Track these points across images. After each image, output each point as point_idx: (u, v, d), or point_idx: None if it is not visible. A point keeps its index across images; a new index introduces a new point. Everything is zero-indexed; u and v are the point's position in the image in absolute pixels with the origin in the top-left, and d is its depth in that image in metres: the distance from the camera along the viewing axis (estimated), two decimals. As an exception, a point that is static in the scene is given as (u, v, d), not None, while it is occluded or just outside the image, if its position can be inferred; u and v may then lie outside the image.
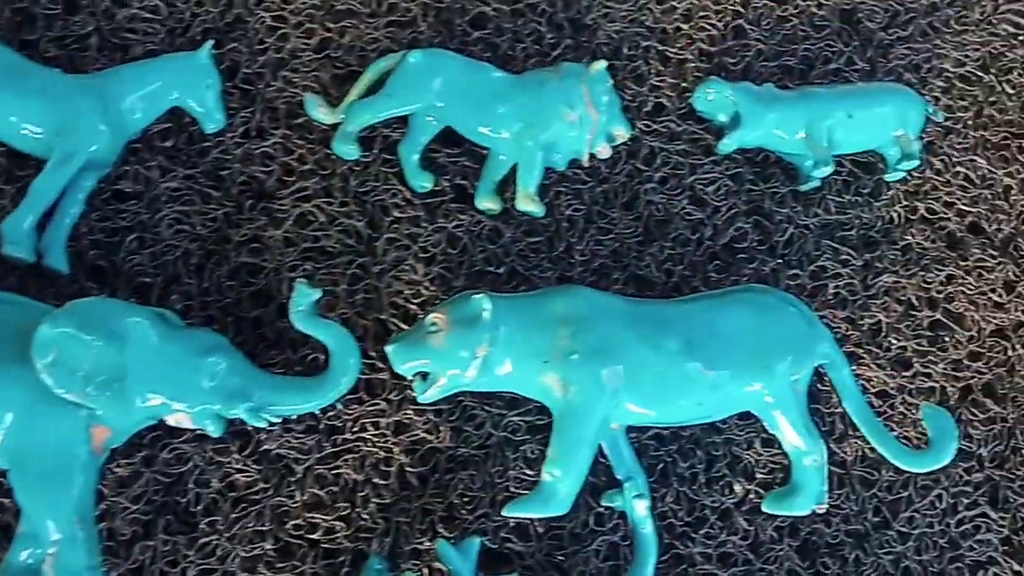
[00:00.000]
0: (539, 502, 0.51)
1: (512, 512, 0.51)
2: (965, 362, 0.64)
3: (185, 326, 0.54)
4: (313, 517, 0.54)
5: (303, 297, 0.53)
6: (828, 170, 0.63)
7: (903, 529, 0.60)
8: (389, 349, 0.53)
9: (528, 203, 0.61)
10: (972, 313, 0.65)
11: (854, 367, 0.62)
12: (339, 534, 0.54)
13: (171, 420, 0.51)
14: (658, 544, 0.52)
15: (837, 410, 0.60)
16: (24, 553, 0.50)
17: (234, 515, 0.53)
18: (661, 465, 0.59)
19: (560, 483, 0.51)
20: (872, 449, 0.61)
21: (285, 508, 0.54)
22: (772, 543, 0.59)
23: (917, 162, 0.65)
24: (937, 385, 0.63)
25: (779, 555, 0.58)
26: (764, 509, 0.56)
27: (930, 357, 0.63)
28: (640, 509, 0.51)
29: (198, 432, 0.53)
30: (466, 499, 0.56)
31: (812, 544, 0.59)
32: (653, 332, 0.53)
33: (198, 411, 0.50)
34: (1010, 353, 0.65)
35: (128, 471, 0.53)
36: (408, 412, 0.57)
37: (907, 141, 0.65)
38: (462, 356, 0.52)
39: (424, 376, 0.53)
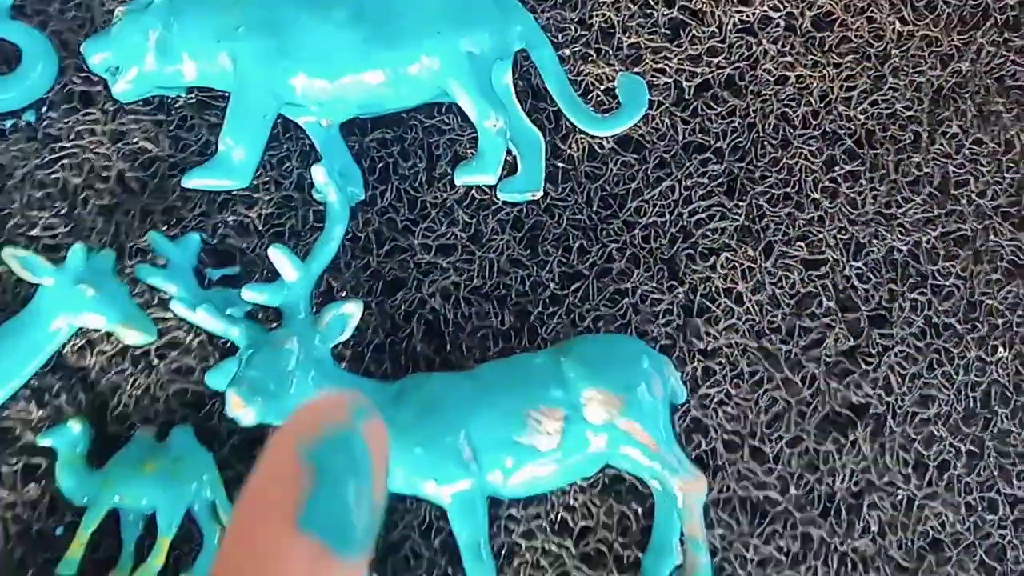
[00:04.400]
0: (216, 169, 0.53)
1: (191, 179, 0.54)
2: (705, 57, 0.63)
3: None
4: (34, 215, 0.57)
5: (-9, -3, 0.55)
6: None
7: (631, 219, 0.61)
8: (83, 47, 0.55)
9: None
10: (713, 9, 0.64)
11: (582, 65, 0.62)
12: (59, 231, 0.57)
13: None
14: (346, 215, 0.54)
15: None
16: None
17: (-48, 214, 0.58)
18: (382, 165, 0.61)
19: (233, 151, 0.53)
20: (600, 145, 0.62)
21: (5, 210, 0.58)
22: (494, 234, 0.60)
23: None
24: (671, 80, 0.63)
25: (501, 244, 0.60)
26: (456, 180, 0.57)
27: (664, 53, 0.63)
28: (318, 176, 0.53)
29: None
30: (185, 200, 0.59)
31: (535, 235, 0.60)
32: (323, 4, 0.54)
33: None
34: (755, 48, 0.64)
35: None
36: (125, 121, 0.59)
37: None
38: (137, 42, 0.53)
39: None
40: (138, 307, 0.53)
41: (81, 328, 0.54)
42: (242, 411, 0.46)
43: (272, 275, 0.58)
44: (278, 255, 0.50)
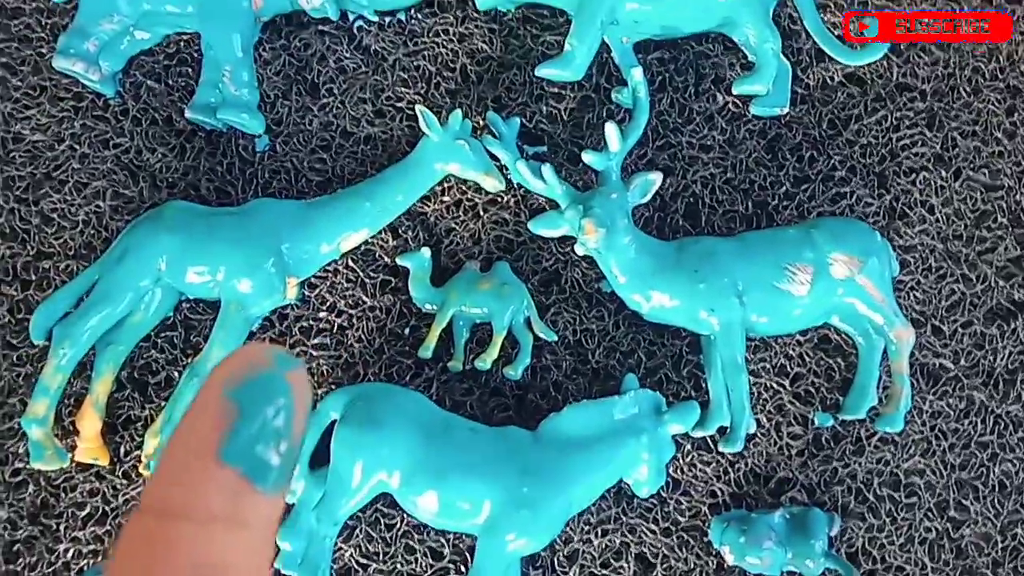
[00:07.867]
0: (560, 64, 0.70)
1: (542, 70, 0.70)
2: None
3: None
4: (400, 91, 0.74)
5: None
6: None
7: (851, 138, 0.76)
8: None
9: None
10: (928, -20, 0.79)
11: (821, 13, 0.78)
12: (418, 101, 0.74)
13: None
14: (648, 110, 0.70)
15: (805, 45, 0.76)
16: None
17: (344, 85, 0.74)
18: (660, 78, 0.77)
19: (576, 51, 0.69)
20: (831, 78, 0.77)
21: (380, 85, 0.75)
22: (743, 140, 0.76)
23: None
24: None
25: (749, 148, 0.76)
26: (734, 90, 0.73)
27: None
28: (636, 75, 0.69)
29: (318, 25, 0.75)
30: (510, 92, 0.75)
31: (776, 143, 0.76)
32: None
33: (319, -14, 0.71)
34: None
35: (271, 54, 0.75)
36: (468, 26, 0.76)
37: None
38: (510, -36, 0.70)
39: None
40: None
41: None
42: (594, 235, 0.63)
43: (569, 156, 0.75)
44: (611, 129, 0.66)
